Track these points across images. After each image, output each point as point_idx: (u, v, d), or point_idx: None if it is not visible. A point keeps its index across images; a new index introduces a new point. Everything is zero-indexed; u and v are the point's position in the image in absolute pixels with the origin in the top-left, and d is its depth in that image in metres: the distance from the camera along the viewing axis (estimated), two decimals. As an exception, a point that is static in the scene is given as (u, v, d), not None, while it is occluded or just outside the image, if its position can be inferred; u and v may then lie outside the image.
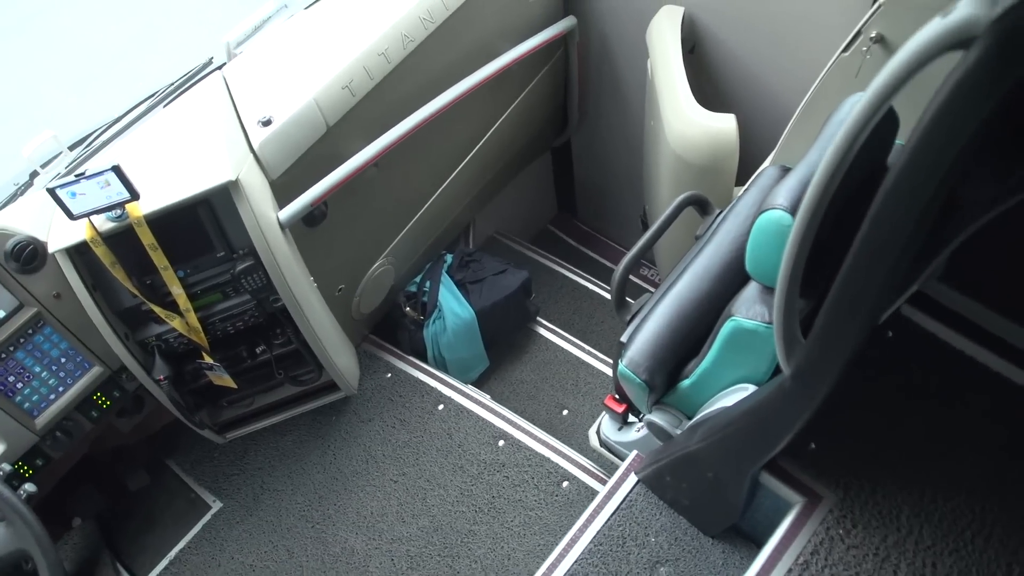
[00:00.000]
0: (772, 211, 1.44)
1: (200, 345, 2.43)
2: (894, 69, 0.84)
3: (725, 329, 1.64)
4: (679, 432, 1.93)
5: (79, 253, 2.15)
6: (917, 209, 0.96)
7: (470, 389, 3.02)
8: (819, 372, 1.33)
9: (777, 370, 1.55)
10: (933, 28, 0.79)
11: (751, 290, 1.62)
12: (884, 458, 1.86)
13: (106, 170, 1.91)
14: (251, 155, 2.23)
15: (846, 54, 1.96)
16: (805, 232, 1.11)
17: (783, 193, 1.44)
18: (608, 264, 4.26)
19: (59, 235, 2.11)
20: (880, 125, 0.94)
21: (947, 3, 0.78)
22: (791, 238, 1.14)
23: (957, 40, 0.78)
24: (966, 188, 1.07)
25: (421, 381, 3.04)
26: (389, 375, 3.07)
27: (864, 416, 1.94)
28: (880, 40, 1.88)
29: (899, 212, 0.98)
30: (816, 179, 1.03)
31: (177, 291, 2.28)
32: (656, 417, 1.96)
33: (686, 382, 1.86)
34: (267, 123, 2.26)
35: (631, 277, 3.99)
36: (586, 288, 3.88)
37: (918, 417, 1.92)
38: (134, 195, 1.98)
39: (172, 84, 2.57)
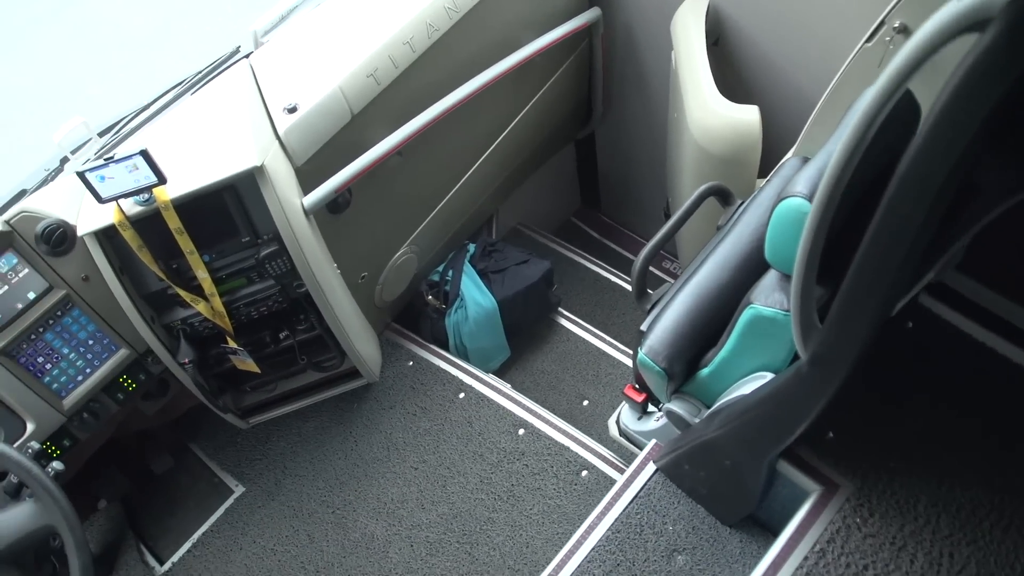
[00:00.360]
0: (791, 199, 1.44)
1: (224, 329, 2.46)
2: (909, 52, 0.85)
3: (744, 317, 1.64)
4: (697, 420, 1.93)
5: (107, 236, 2.18)
6: (931, 194, 0.96)
7: (491, 378, 3.03)
8: (835, 357, 1.33)
9: (796, 359, 1.55)
10: (948, 10, 0.79)
11: (770, 278, 1.62)
12: (902, 448, 1.85)
13: (134, 154, 1.94)
14: (276, 141, 2.25)
15: (869, 44, 1.95)
16: (821, 218, 1.11)
17: (802, 181, 1.44)
18: (630, 256, 4.24)
19: (88, 218, 2.14)
20: (900, 113, 0.95)
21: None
22: (807, 224, 1.14)
23: (972, 22, 0.78)
24: (984, 175, 1.07)
25: (442, 369, 3.05)
26: (411, 363, 3.09)
27: (883, 406, 1.93)
28: (904, 30, 1.87)
29: (913, 197, 0.99)
30: (832, 164, 1.03)
31: (203, 275, 2.31)
32: (675, 406, 1.96)
33: (705, 371, 1.86)
34: (293, 110, 2.28)
35: (653, 270, 3.99)
36: (608, 280, 3.88)
37: (937, 407, 1.92)
38: (161, 179, 2.01)
39: (200, 72, 2.59)
